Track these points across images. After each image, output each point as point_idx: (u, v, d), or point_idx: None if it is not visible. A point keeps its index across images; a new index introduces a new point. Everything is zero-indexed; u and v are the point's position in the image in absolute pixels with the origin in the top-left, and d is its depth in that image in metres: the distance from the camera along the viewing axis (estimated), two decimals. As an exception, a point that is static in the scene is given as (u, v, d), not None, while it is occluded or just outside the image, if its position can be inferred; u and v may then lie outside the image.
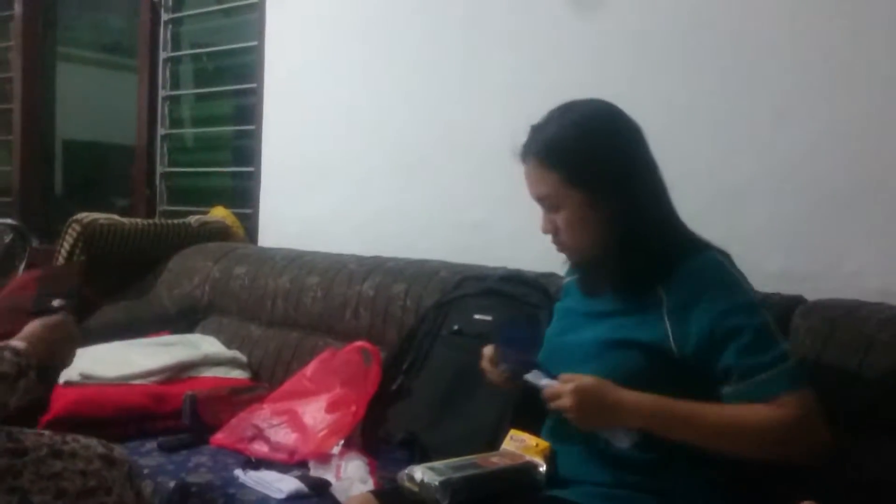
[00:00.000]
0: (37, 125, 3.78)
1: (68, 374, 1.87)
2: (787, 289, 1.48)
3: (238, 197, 3.01)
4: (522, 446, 1.30)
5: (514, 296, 1.72)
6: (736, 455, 1.16)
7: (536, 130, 1.27)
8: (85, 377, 1.86)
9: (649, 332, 1.20)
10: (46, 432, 1.36)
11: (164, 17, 3.12)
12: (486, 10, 2.11)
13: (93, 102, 4.21)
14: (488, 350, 1.32)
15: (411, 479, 1.17)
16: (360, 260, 2.16)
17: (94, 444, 1.37)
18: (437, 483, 1.13)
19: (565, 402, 1.15)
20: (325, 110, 2.50)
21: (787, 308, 1.41)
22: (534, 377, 1.22)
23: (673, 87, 1.78)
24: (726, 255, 1.25)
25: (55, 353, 1.35)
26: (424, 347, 1.76)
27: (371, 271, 2.08)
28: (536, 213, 1.31)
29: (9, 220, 2.50)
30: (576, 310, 1.34)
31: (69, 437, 1.36)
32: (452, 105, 2.19)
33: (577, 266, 1.36)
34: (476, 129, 2.13)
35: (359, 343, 1.79)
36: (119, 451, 1.40)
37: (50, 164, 3.95)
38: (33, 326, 1.34)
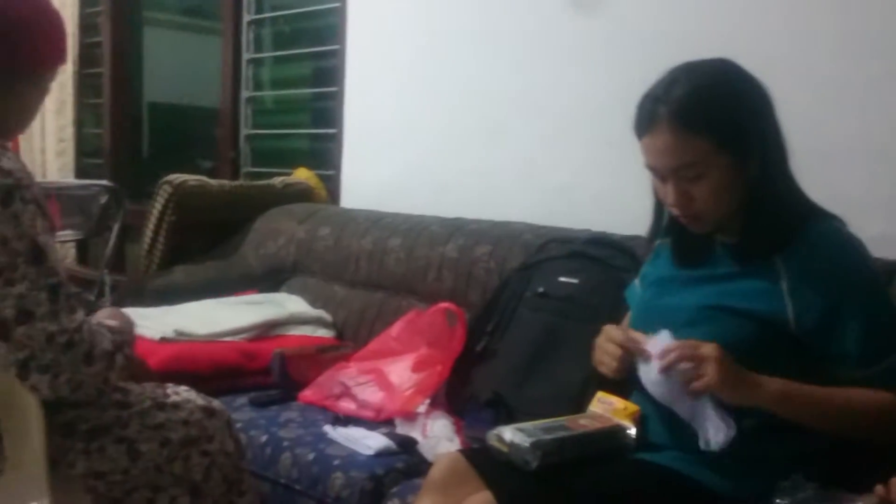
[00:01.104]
0: (125, 89, 3.88)
1: (163, 330, 1.95)
2: (888, 253, 1.43)
3: (319, 158, 3.04)
4: (611, 409, 1.29)
5: (601, 258, 1.71)
6: (854, 437, 1.13)
7: (664, 94, 1.15)
8: (179, 333, 1.93)
9: (765, 302, 1.15)
10: (148, 386, 1.42)
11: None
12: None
13: (174, 65, 4.29)
14: (612, 329, 1.23)
15: (500, 439, 1.18)
16: (442, 221, 2.17)
17: (194, 396, 1.43)
18: (527, 444, 1.14)
19: (708, 368, 1.07)
20: (407, 72, 2.49)
21: (888, 273, 1.36)
22: (662, 338, 1.14)
23: (778, 45, 1.72)
24: (844, 224, 1.19)
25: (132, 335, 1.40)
26: (509, 309, 1.76)
27: (453, 233, 2.09)
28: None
29: (104, 182, 2.58)
30: (670, 274, 1.30)
31: (170, 390, 1.42)
32: (536, 65, 2.16)
33: (682, 231, 1.25)
34: (560, 90, 2.10)
35: (444, 304, 1.81)
36: (217, 402, 1.45)
37: (138, 127, 4.05)
38: (108, 311, 1.40)
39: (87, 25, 3.89)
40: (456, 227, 2.10)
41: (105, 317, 1.36)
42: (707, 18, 1.83)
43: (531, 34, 2.16)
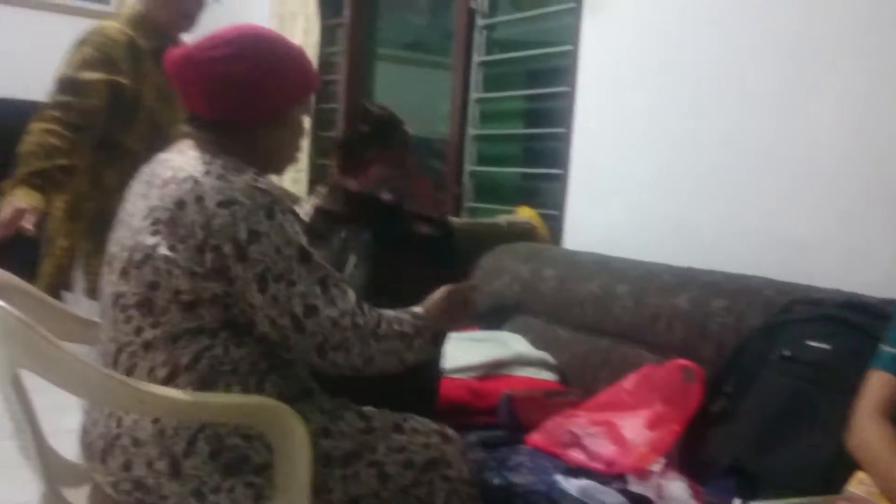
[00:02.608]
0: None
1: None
2: None
3: (536, 196, 3.08)
4: (874, 492, 1.20)
5: (857, 325, 1.60)
6: None
7: None
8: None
9: None
10: (385, 410, 1.50)
11: (480, 22, 3.25)
12: (826, 11, 1.97)
13: (396, 98, 4.50)
14: None
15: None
16: (672, 270, 2.12)
17: (428, 422, 1.51)
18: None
19: None
20: (638, 115, 2.47)
21: None
22: None
23: None
24: None
25: (451, 319, 1.53)
26: (751, 370, 1.69)
27: (685, 283, 2.03)
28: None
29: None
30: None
31: (405, 416, 1.50)
32: (779, 112, 2.06)
33: None
34: (806, 139, 2.00)
35: (681, 360, 1.76)
36: (450, 430, 1.52)
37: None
38: (436, 294, 1.52)
39: (325, 64, 4.18)
40: (688, 278, 2.05)
41: (429, 301, 1.50)
42: None
43: (778, 74, 2.07)
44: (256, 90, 1.38)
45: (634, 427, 1.67)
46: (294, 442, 1.26)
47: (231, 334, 1.32)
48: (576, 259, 2.40)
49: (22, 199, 1.96)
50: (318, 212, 1.86)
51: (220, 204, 1.27)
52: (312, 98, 1.60)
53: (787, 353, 1.65)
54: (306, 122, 3.97)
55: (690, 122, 2.30)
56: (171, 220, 1.29)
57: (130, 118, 2.22)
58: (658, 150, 2.39)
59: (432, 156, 3.96)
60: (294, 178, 4.11)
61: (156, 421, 1.29)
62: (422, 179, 1.74)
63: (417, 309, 1.47)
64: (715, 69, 2.23)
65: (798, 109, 2.02)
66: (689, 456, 1.65)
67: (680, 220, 2.31)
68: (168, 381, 1.29)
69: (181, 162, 1.35)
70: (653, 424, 1.66)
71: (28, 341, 1.21)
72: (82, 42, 2.23)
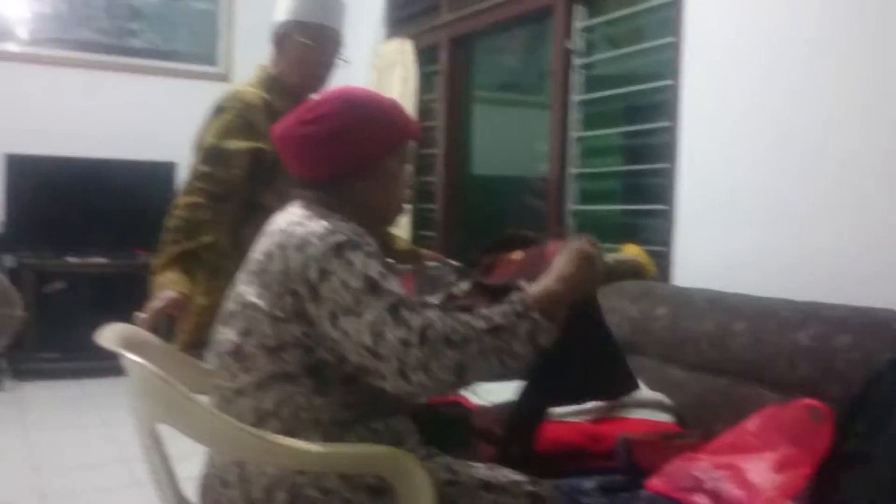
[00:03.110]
0: (455, 166, 4.19)
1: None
2: None
3: (640, 233, 3.04)
4: None
5: None
6: None
7: None
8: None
9: None
10: (480, 465, 1.48)
11: (577, 61, 3.27)
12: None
13: (489, 138, 4.54)
14: None
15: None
16: (791, 305, 2.05)
17: (523, 481, 1.46)
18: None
19: None
20: (748, 145, 2.42)
21: None
22: None
23: None
24: None
25: (578, 284, 1.38)
26: (885, 409, 1.61)
27: (806, 319, 1.96)
28: None
29: (453, 262, 2.77)
30: None
31: (500, 473, 1.47)
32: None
33: None
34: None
35: (808, 400, 1.70)
36: (547, 488, 1.49)
37: (465, 200, 4.33)
38: (554, 264, 1.40)
39: (424, 111, 4.27)
40: (810, 313, 1.98)
41: (553, 269, 1.38)
42: None
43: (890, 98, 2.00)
44: (343, 146, 1.44)
45: (761, 470, 1.62)
46: (419, 490, 1.27)
47: (314, 382, 1.35)
48: (687, 296, 2.36)
49: (171, 285, 2.00)
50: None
51: (296, 248, 1.33)
52: (412, 146, 1.59)
53: (923, 390, 1.57)
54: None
55: (805, 149, 2.23)
56: (261, 271, 1.37)
57: (270, 179, 2.24)
58: (772, 179, 2.33)
59: (531, 195, 3.97)
60: (397, 224, 4.19)
61: (240, 465, 1.34)
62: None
63: (519, 293, 1.35)
64: (831, 93, 2.17)
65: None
66: (821, 501, 1.58)
67: (797, 252, 2.24)
68: (255, 427, 1.33)
69: (281, 219, 1.44)
70: (780, 467, 1.60)
71: (167, 397, 1.27)
72: (222, 109, 2.26)
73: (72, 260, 4.89)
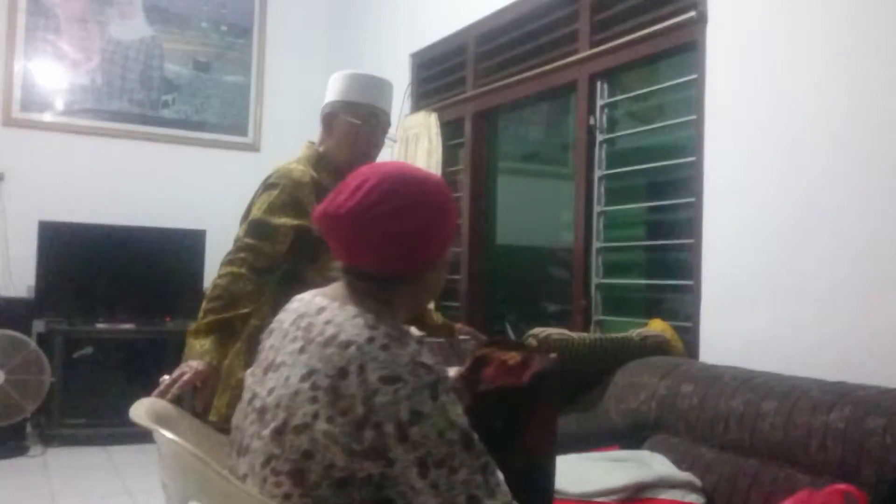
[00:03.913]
0: (481, 237, 4.22)
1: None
2: None
3: (665, 308, 3.04)
4: None
5: None
6: None
7: None
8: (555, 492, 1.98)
9: None
10: None
11: (599, 137, 3.33)
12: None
13: (512, 208, 4.59)
14: None
15: None
16: (822, 386, 2.04)
17: None
18: None
19: None
20: (771, 222, 2.44)
21: None
22: None
23: None
24: None
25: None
26: (919, 496, 1.60)
27: (838, 400, 1.95)
28: None
29: (479, 334, 2.78)
30: None
31: None
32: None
33: None
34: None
35: (842, 486, 1.68)
36: None
37: (489, 270, 4.36)
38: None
39: (448, 182, 4.33)
40: (841, 394, 1.96)
41: None
42: None
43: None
44: (429, 239, 1.35)
45: (796, 558, 1.59)
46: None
47: None
48: (715, 373, 2.35)
49: (202, 354, 2.00)
50: None
51: (384, 379, 1.22)
52: None
53: (959, 476, 1.55)
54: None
55: (832, 226, 2.25)
56: (331, 389, 1.24)
57: (315, 256, 2.26)
58: (797, 257, 2.35)
59: (556, 265, 3.99)
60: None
61: None
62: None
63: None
64: (854, 172, 2.20)
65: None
66: (858, 590, 1.55)
67: (827, 331, 2.24)
68: None
69: (342, 319, 1.31)
70: (816, 555, 1.57)
71: (201, 475, 1.29)
72: (271, 185, 2.30)
73: (101, 326, 4.95)
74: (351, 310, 1.33)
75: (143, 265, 5.15)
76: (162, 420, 1.47)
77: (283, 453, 1.27)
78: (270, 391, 1.34)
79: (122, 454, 4.46)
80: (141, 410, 1.48)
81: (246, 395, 1.42)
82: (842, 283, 2.21)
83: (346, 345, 1.26)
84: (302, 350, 1.32)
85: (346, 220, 1.32)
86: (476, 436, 1.27)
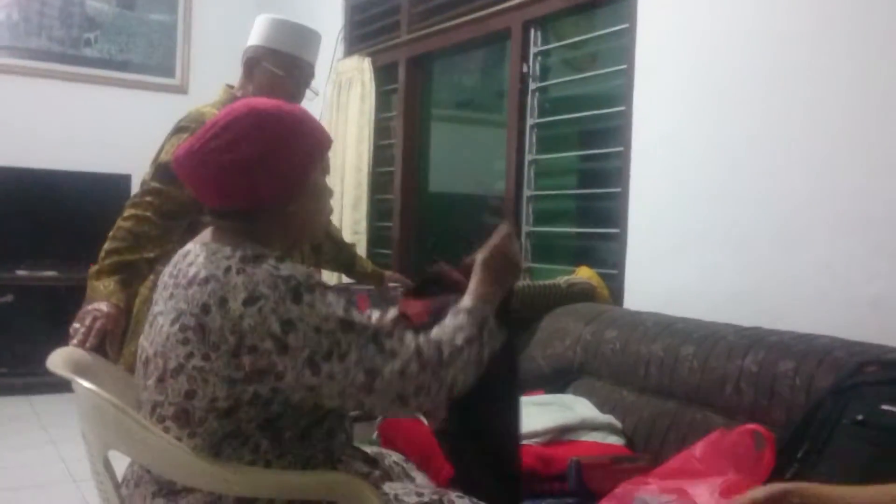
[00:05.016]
0: (413, 185, 4.21)
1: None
2: None
3: (594, 256, 3.09)
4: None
5: (933, 388, 1.58)
6: None
7: None
8: (480, 435, 2.02)
9: None
10: (426, 492, 1.47)
11: (532, 85, 3.32)
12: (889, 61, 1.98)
13: (446, 156, 4.58)
14: None
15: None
16: (738, 331, 2.11)
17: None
18: None
19: None
20: (696, 174, 2.48)
21: None
22: None
23: None
24: None
25: (502, 285, 1.44)
26: (822, 436, 1.67)
27: (752, 345, 2.02)
28: None
29: (411, 282, 2.77)
30: None
31: (446, 499, 1.46)
32: (853, 168, 2.06)
33: None
34: (878, 201, 1.99)
35: (751, 426, 1.75)
36: None
37: (422, 218, 4.36)
38: (476, 268, 1.42)
39: (382, 129, 4.29)
40: (755, 339, 2.04)
41: (472, 286, 1.41)
42: None
43: (847, 129, 2.07)
44: (272, 169, 1.32)
45: (707, 495, 1.66)
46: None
47: (269, 441, 1.30)
48: (638, 319, 2.41)
49: (107, 295, 1.95)
50: None
51: (246, 302, 1.24)
52: (329, 155, 1.50)
53: (859, 417, 1.63)
54: (364, 185, 4.09)
55: (755, 181, 2.30)
56: (198, 327, 1.25)
57: None
58: (720, 208, 2.40)
59: (488, 213, 4.01)
60: (353, 241, 4.20)
61: None
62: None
63: (466, 301, 1.39)
64: (779, 123, 2.24)
65: (869, 174, 2.02)
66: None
67: (744, 281, 2.31)
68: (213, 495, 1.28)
69: (203, 259, 1.31)
70: (725, 493, 1.64)
71: (120, 424, 1.27)
72: (182, 129, 2.23)
73: (22, 273, 4.80)
74: (212, 247, 1.33)
75: (66, 210, 4.99)
76: (81, 369, 1.44)
77: (166, 398, 1.30)
78: (151, 342, 1.35)
79: (46, 403, 4.37)
80: (58, 360, 1.45)
81: (139, 352, 1.41)
82: (760, 233, 2.27)
83: (206, 280, 1.28)
84: (171, 297, 1.33)
85: (190, 159, 1.33)
86: (356, 315, 1.29)
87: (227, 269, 1.28)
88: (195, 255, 1.34)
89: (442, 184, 4.51)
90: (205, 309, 1.26)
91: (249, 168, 1.31)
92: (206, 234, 1.40)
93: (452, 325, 1.36)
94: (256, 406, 1.27)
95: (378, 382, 1.26)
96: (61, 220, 4.98)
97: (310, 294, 1.26)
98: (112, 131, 5.25)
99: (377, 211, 4.38)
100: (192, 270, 1.31)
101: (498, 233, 1.47)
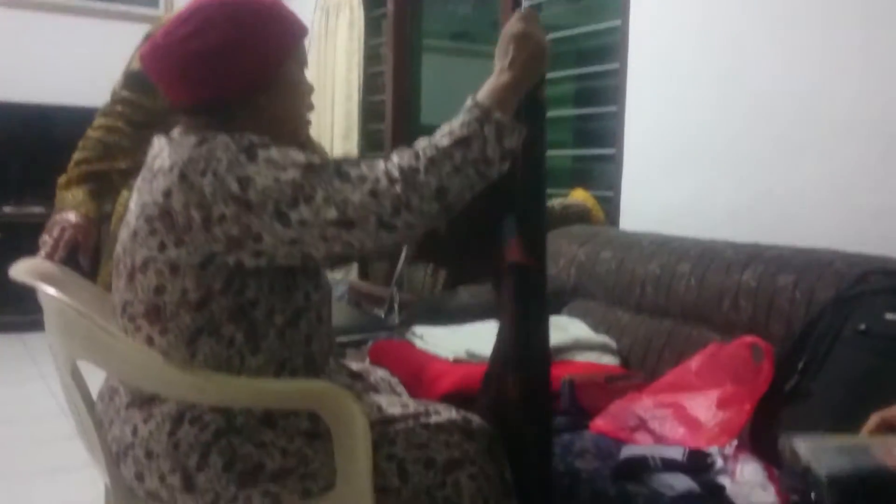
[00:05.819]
0: (405, 114, 4.10)
1: (455, 350, 2.01)
2: None
3: (591, 178, 3.02)
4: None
5: (938, 295, 1.52)
6: None
7: None
8: (471, 355, 1.97)
9: None
10: (411, 404, 1.42)
11: (524, 4, 3.20)
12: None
13: (442, 89, 4.47)
14: None
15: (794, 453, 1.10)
16: (736, 247, 2.05)
17: (455, 418, 1.40)
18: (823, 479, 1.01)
19: None
20: (695, 90, 2.39)
21: None
22: None
23: None
24: None
25: (528, 72, 1.28)
26: (823, 347, 1.61)
27: (750, 260, 1.96)
28: None
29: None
30: None
31: (431, 409, 1.41)
32: (852, 78, 1.97)
33: None
34: (880, 104, 1.91)
35: (748, 338, 1.69)
36: (478, 423, 1.41)
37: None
38: (499, 53, 1.28)
39: (371, 56, 4.17)
40: (753, 254, 1.97)
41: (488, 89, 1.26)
42: None
43: (847, 39, 1.98)
44: (236, 57, 1.25)
45: (703, 408, 1.61)
46: (353, 426, 1.23)
47: (245, 337, 1.25)
48: (633, 240, 2.34)
49: (76, 205, 1.89)
50: None
51: (201, 173, 1.18)
52: (305, 48, 1.40)
53: (862, 326, 1.57)
54: (355, 115, 3.99)
55: (751, 93, 2.22)
56: (163, 214, 1.21)
57: None
58: (716, 124, 2.32)
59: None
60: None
61: (171, 434, 1.23)
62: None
63: (471, 99, 1.25)
64: (780, 37, 2.15)
65: (870, 77, 1.93)
66: (760, 436, 1.58)
67: (743, 196, 2.24)
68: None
69: (169, 149, 1.26)
70: (722, 404, 1.60)
71: (86, 332, 1.21)
72: (151, 36, 2.17)
73: (8, 210, 4.71)
74: (178, 139, 1.28)
75: (53, 146, 4.83)
76: (46, 279, 1.37)
77: (135, 296, 1.25)
78: (122, 242, 1.30)
79: (37, 340, 4.33)
80: (22, 268, 1.38)
81: (114, 260, 1.35)
82: (757, 146, 2.19)
83: (170, 168, 1.22)
84: (139, 191, 1.28)
85: (156, 51, 1.28)
86: (316, 157, 1.21)
87: (191, 154, 1.22)
88: (160, 147, 1.29)
89: (434, 116, 4.41)
90: (167, 194, 1.20)
91: (216, 56, 1.24)
92: (175, 130, 1.33)
93: (448, 125, 1.23)
94: (228, 295, 1.22)
95: (351, 211, 1.15)
96: (48, 155, 4.81)
97: (265, 150, 1.20)
98: (98, 64, 5.09)
99: (369, 143, 4.28)
100: (157, 163, 1.26)
101: (517, 15, 1.31)
